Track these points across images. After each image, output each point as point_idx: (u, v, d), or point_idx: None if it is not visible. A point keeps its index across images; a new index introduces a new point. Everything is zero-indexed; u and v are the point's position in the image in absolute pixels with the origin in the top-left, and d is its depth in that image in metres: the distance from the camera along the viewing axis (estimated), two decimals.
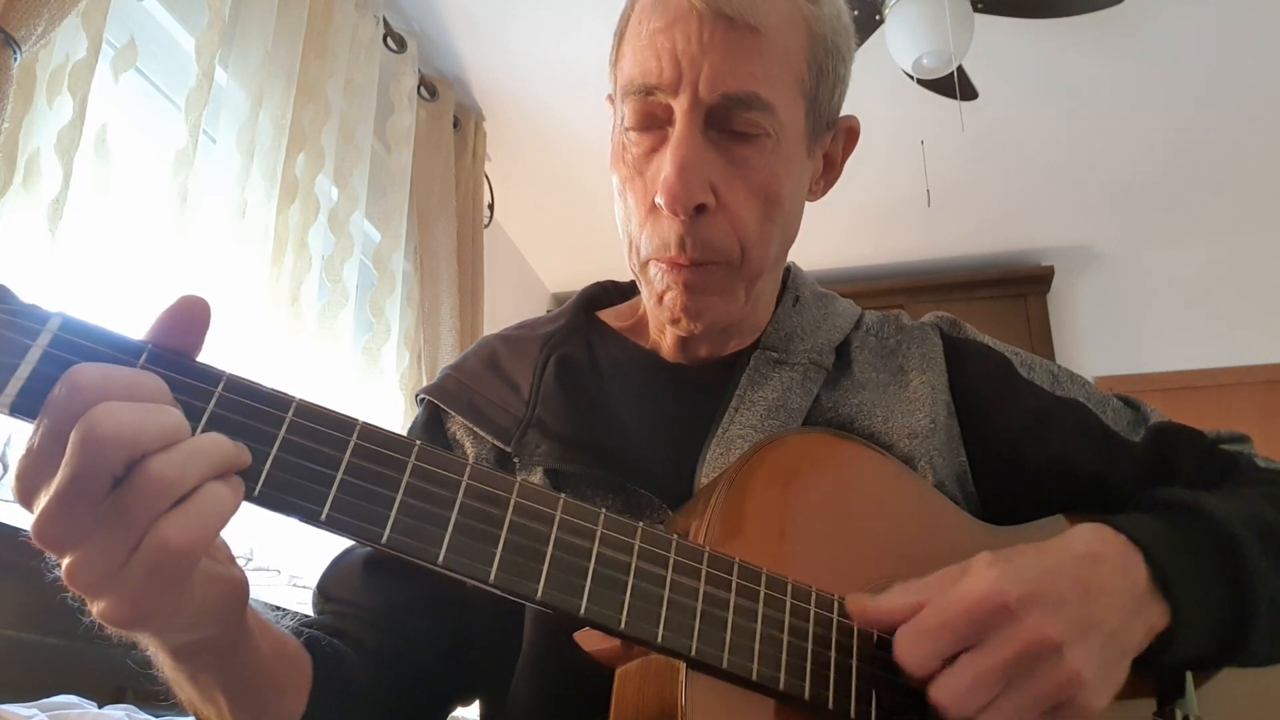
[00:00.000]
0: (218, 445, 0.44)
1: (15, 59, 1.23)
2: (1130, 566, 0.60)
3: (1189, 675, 0.66)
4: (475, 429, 0.78)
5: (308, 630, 0.68)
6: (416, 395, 0.84)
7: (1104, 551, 0.60)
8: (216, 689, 0.55)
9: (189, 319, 0.46)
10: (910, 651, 0.54)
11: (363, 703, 0.68)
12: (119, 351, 0.45)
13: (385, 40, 2.49)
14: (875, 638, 0.58)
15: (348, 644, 0.70)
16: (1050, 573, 0.57)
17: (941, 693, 0.53)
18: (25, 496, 0.43)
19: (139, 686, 1.37)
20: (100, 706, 1.23)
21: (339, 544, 0.78)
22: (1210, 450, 0.78)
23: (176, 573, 0.43)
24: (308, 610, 0.77)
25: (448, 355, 2.58)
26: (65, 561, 0.42)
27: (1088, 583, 0.57)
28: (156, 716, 1.28)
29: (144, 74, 1.89)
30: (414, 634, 0.73)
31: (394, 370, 2.42)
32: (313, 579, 0.80)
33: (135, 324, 0.47)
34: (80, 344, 0.44)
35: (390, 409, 2.38)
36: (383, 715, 0.70)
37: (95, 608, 0.43)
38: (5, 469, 1.30)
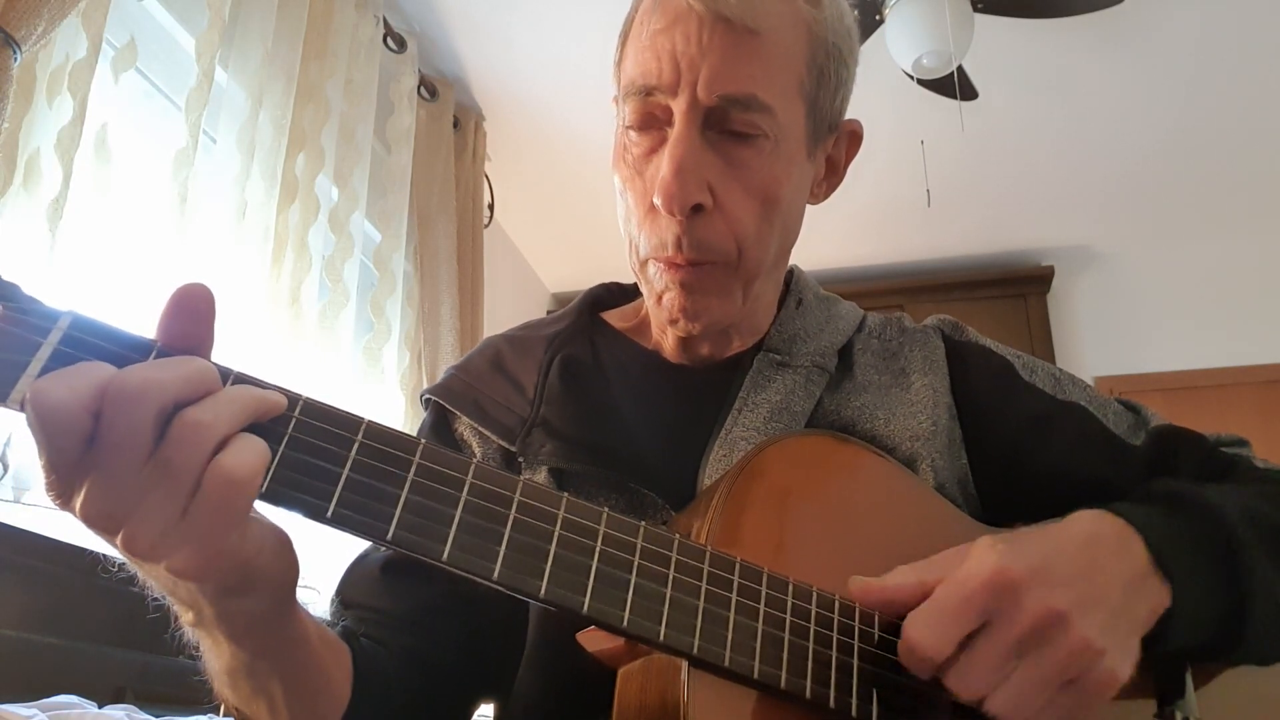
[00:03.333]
0: (247, 391, 0.45)
1: (15, 59, 1.23)
2: (1129, 549, 0.61)
3: (1189, 675, 0.66)
4: (480, 429, 0.78)
5: (340, 624, 0.69)
6: (421, 396, 0.84)
7: (1103, 534, 0.61)
8: (273, 677, 0.56)
9: (192, 308, 0.47)
10: (924, 635, 0.54)
11: (399, 694, 0.68)
12: (130, 350, 0.45)
13: (385, 40, 2.49)
14: (877, 637, 0.58)
15: (374, 645, 0.70)
16: (1052, 553, 0.57)
17: (963, 679, 0.53)
18: (63, 488, 0.43)
19: (139, 686, 1.38)
20: (100, 706, 1.23)
21: (341, 548, 0.78)
22: (1210, 453, 0.78)
23: (241, 505, 0.44)
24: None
25: (448, 355, 2.59)
26: (121, 533, 0.43)
27: (1089, 562, 0.58)
28: (156, 716, 1.28)
29: (144, 74, 1.89)
30: (438, 634, 0.73)
31: (394, 370, 2.42)
32: (313, 579, 0.80)
33: (136, 324, 0.47)
34: (91, 342, 0.45)
35: (391, 409, 2.38)
36: (416, 708, 0.70)
37: (163, 568, 0.44)
38: (5, 469, 1.30)
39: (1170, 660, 0.64)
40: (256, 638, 0.53)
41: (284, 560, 0.50)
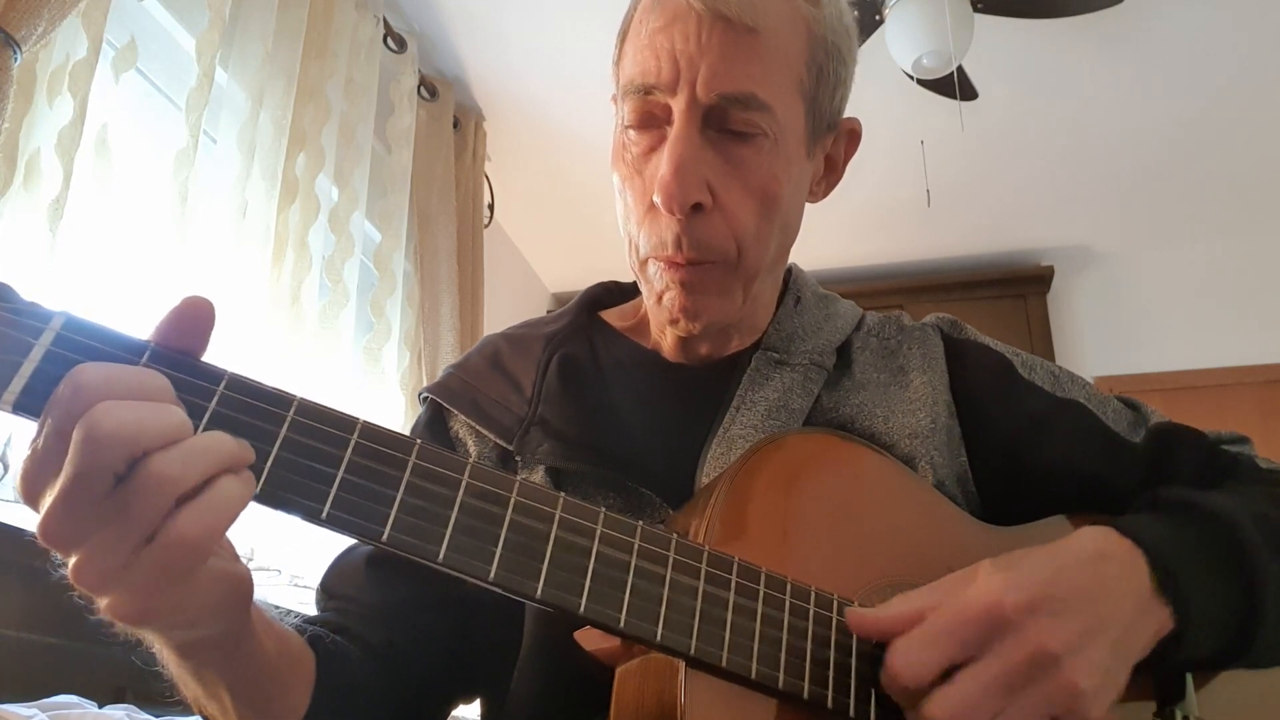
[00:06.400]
0: (220, 443, 0.45)
1: (15, 59, 1.23)
2: (1136, 570, 0.60)
3: (1189, 677, 0.65)
4: (478, 427, 0.78)
5: (311, 628, 0.68)
6: (420, 394, 0.84)
7: (1110, 553, 0.60)
8: (220, 686, 0.55)
9: (194, 320, 0.47)
10: (906, 662, 0.53)
11: (366, 699, 0.68)
12: (122, 350, 0.45)
13: (385, 40, 2.49)
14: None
15: (351, 641, 0.70)
16: (1058, 575, 0.56)
17: (937, 708, 0.52)
18: (31, 495, 0.43)
19: (139, 686, 1.38)
20: (100, 706, 1.23)
21: (339, 544, 0.78)
22: (1211, 451, 0.78)
23: (186, 566, 0.43)
24: (307, 610, 0.77)
25: (448, 355, 2.59)
26: (71, 560, 0.43)
27: (1095, 586, 0.57)
28: (156, 716, 1.28)
29: (144, 74, 1.89)
30: (417, 631, 0.73)
31: (394, 370, 2.42)
32: (313, 579, 0.80)
33: (136, 324, 0.47)
34: (83, 343, 0.45)
35: (391, 409, 2.38)
36: (385, 712, 0.70)
37: (101, 604, 0.44)
38: (5, 469, 1.30)
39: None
40: (200, 657, 0.53)
41: (232, 604, 0.50)
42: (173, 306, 0.47)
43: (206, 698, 0.57)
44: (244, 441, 0.46)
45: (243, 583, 0.50)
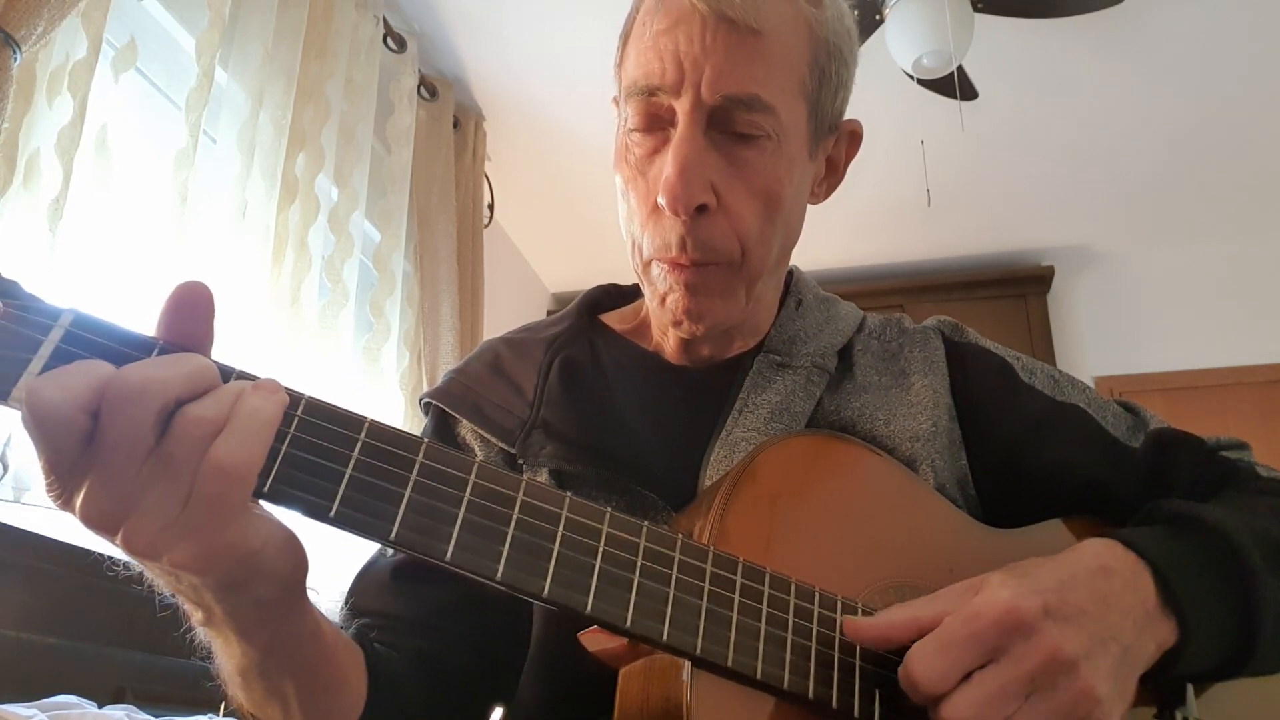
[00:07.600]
0: (249, 385, 0.45)
1: (15, 59, 1.23)
2: (1140, 583, 0.60)
3: (1189, 684, 0.65)
4: (480, 431, 0.78)
5: (356, 622, 0.69)
6: (420, 400, 0.84)
7: (1115, 566, 0.60)
8: (285, 675, 0.55)
9: (191, 303, 0.47)
10: (927, 666, 0.53)
11: (412, 698, 0.68)
12: (131, 348, 0.45)
13: (385, 40, 2.49)
14: None
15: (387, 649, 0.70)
16: (1067, 584, 0.56)
17: (955, 710, 0.52)
18: (64, 489, 0.43)
19: (139, 686, 1.38)
20: (100, 706, 1.23)
21: (338, 543, 0.78)
22: (1209, 457, 0.78)
23: (238, 495, 0.43)
24: None
25: (448, 355, 2.59)
26: (120, 531, 0.43)
27: (1104, 594, 0.57)
28: (156, 716, 1.27)
29: (144, 74, 1.89)
30: (451, 636, 0.73)
31: (394, 370, 2.42)
32: (312, 579, 0.80)
33: (137, 324, 0.47)
34: (94, 340, 0.45)
35: (390, 409, 2.38)
36: (430, 713, 0.70)
37: (165, 562, 0.44)
38: (5, 469, 1.30)
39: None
40: (267, 632, 0.52)
41: (290, 554, 0.50)
42: (168, 295, 0.47)
43: (267, 696, 0.56)
44: (273, 380, 0.46)
45: (293, 535, 0.50)
